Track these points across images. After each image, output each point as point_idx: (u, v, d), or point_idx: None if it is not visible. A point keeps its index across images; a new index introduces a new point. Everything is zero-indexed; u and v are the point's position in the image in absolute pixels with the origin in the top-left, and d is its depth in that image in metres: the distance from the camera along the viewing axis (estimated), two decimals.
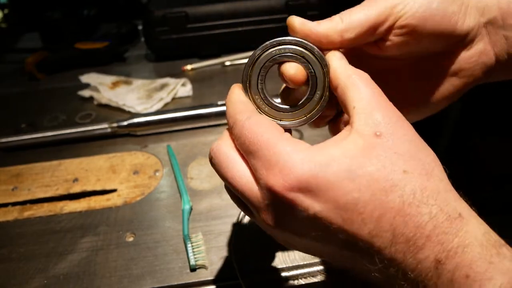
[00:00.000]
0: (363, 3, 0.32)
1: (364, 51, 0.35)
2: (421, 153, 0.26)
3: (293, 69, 0.31)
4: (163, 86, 0.86)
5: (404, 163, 0.25)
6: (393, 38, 0.32)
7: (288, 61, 0.31)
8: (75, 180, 0.64)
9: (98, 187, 0.62)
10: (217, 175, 0.31)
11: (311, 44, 0.31)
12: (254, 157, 0.28)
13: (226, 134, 0.31)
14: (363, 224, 0.25)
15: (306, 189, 0.25)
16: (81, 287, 0.47)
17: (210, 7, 0.97)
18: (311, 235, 0.27)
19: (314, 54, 0.31)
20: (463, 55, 0.33)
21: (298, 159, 0.26)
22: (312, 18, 0.31)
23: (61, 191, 0.62)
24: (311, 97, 0.31)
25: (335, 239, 0.26)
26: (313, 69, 0.31)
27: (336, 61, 0.30)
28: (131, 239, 0.53)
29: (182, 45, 0.99)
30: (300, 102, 0.31)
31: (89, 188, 0.62)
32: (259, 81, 0.32)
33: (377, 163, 0.25)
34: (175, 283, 0.47)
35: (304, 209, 0.26)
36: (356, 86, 0.28)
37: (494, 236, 0.24)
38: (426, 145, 0.27)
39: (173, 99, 0.84)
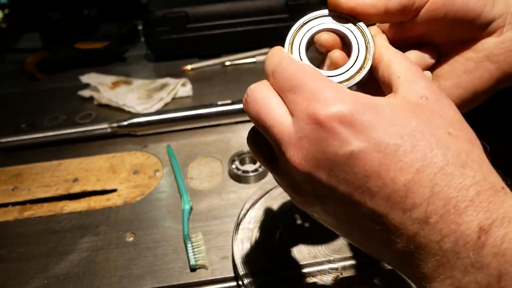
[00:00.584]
0: None
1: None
2: (464, 123, 0.26)
3: (325, 34, 0.32)
4: (163, 86, 0.86)
5: (449, 126, 0.25)
6: (420, 19, 0.32)
7: (332, 30, 0.32)
8: (75, 180, 0.64)
9: (98, 187, 0.62)
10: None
11: (355, 18, 0.32)
12: (295, 92, 0.27)
13: (264, 80, 0.31)
14: (399, 173, 0.23)
15: (348, 122, 0.24)
16: (81, 287, 0.47)
17: (210, 7, 0.97)
18: (339, 178, 0.25)
19: (359, 26, 0.32)
20: (493, 40, 0.33)
21: (343, 95, 0.25)
22: None
23: (61, 191, 0.62)
24: (351, 66, 0.32)
25: (366, 187, 0.24)
26: (357, 40, 0.32)
27: (382, 39, 0.32)
28: (131, 239, 0.53)
29: (182, 45, 0.99)
30: (340, 69, 0.32)
31: (89, 188, 0.62)
32: (300, 47, 0.32)
33: (422, 118, 0.25)
34: (175, 283, 0.47)
35: (342, 143, 0.24)
36: (401, 60, 0.29)
37: None
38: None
39: (173, 99, 0.84)
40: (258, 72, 0.94)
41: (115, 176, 0.64)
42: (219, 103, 0.74)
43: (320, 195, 0.27)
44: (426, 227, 0.23)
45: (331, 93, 0.25)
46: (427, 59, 0.35)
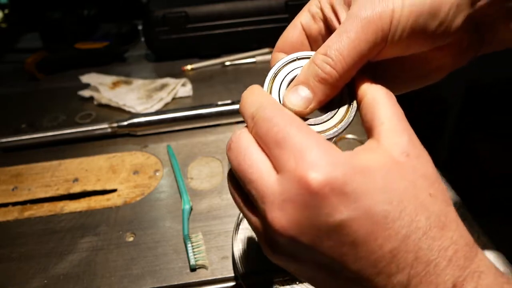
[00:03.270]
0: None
1: None
2: (440, 181, 0.26)
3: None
4: (163, 86, 0.86)
5: (429, 186, 0.25)
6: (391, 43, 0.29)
7: None
8: (75, 180, 0.64)
9: (98, 187, 0.62)
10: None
11: None
12: (282, 147, 0.25)
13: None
14: (387, 240, 0.23)
15: (339, 190, 0.23)
16: (81, 287, 0.47)
17: (210, 7, 0.97)
18: (324, 245, 0.24)
19: None
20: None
21: (335, 158, 0.24)
22: None
23: (61, 191, 0.62)
24: (337, 109, 0.30)
25: (351, 254, 0.24)
26: None
27: (361, 73, 0.30)
28: (131, 239, 0.53)
29: (182, 45, 0.99)
30: (326, 115, 0.30)
31: (89, 188, 0.62)
32: (280, 95, 0.31)
33: (408, 180, 0.25)
34: (175, 283, 0.47)
35: (332, 211, 0.23)
36: (384, 102, 0.28)
37: (497, 267, 0.25)
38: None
39: (173, 99, 0.84)
40: (258, 72, 0.94)
41: (115, 176, 0.64)
42: (219, 103, 0.74)
43: (299, 257, 0.26)
44: None
45: (321, 154, 0.24)
46: None
